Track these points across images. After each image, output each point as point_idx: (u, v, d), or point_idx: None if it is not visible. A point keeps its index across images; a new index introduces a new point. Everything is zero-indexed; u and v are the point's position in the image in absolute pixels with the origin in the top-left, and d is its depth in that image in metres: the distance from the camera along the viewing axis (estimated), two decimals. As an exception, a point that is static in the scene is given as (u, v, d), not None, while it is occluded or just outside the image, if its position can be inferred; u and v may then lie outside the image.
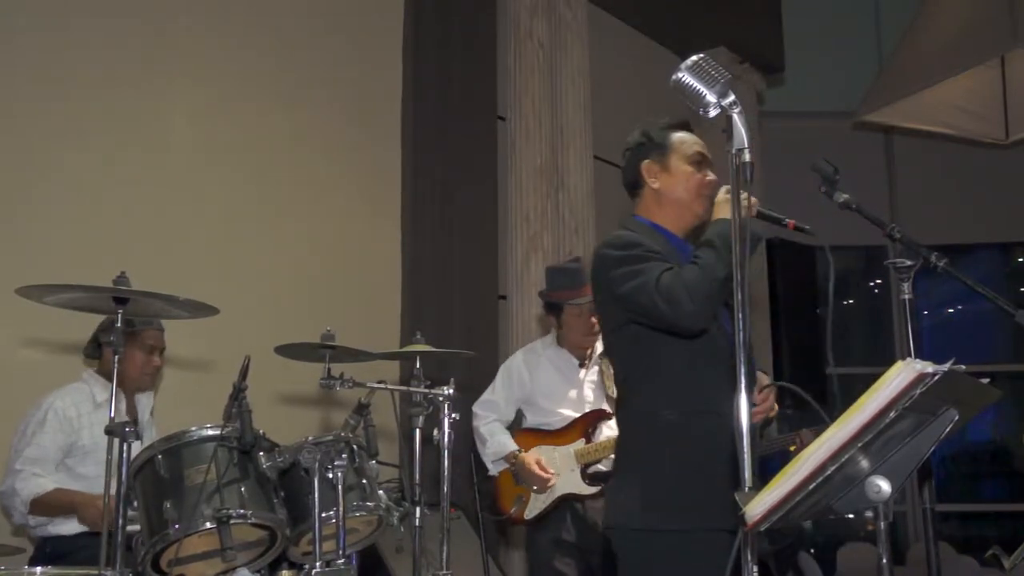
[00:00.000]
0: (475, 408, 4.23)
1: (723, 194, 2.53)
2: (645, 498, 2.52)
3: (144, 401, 3.75)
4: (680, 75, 1.86)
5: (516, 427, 4.23)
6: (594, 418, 4.02)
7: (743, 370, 1.70)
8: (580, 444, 3.98)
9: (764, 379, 2.61)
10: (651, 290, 2.45)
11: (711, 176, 2.68)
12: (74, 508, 3.36)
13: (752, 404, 1.86)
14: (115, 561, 2.61)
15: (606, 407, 3.99)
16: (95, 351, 3.65)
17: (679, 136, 2.73)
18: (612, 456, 3.78)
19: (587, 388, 4.10)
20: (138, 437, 2.74)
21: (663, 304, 2.43)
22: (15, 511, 3.39)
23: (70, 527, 3.41)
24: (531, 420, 4.18)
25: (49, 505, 3.38)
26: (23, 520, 3.42)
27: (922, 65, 6.20)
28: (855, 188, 2.48)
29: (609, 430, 3.94)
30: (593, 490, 3.89)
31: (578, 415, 4.04)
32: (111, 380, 2.78)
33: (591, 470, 3.93)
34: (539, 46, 5.94)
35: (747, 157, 1.78)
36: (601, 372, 4.07)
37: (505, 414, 4.22)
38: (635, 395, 2.65)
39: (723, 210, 2.49)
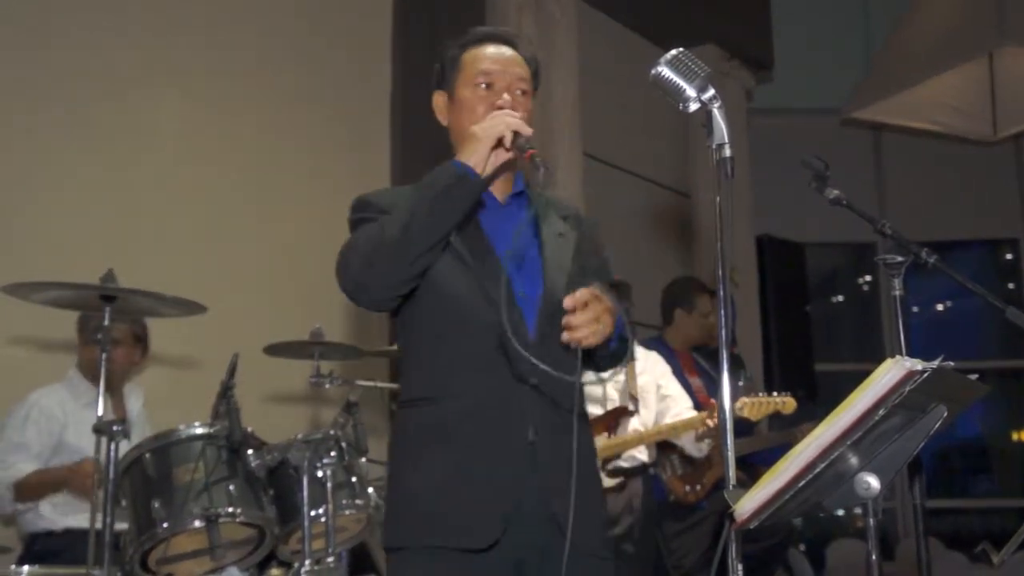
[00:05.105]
0: None
1: (484, 122, 1.98)
2: (386, 509, 2.07)
3: (133, 398, 3.73)
4: (659, 69, 1.82)
5: None
6: (616, 415, 4.03)
7: (726, 365, 1.68)
8: (603, 439, 4.00)
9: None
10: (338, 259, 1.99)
11: (503, 98, 2.10)
12: (61, 483, 3.36)
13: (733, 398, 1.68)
14: (103, 560, 2.60)
15: (629, 405, 4.03)
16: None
17: (471, 53, 2.20)
18: (630, 451, 3.92)
19: (611, 387, 4.11)
20: (125, 436, 2.74)
21: (336, 273, 1.97)
22: (1, 499, 3.39)
23: (59, 522, 3.40)
24: None
25: (32, 487, 3.38)
26: (11, 507, 3.43)
27: (910, 62, 6.22)
28: (844, 185, 2.47)
29: (631, 426, 3.99)
30: (612, 483, 3.92)
31: (601, 412, 4.06)
32: (90, 377, 2.76)
33: (611, 465, 3.96)
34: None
35: (727, 152, 1.75)
36: (626, 372, 4.08)
37: None
38: (401, 383, 2.13)
39: (466, 147, 1.95)
